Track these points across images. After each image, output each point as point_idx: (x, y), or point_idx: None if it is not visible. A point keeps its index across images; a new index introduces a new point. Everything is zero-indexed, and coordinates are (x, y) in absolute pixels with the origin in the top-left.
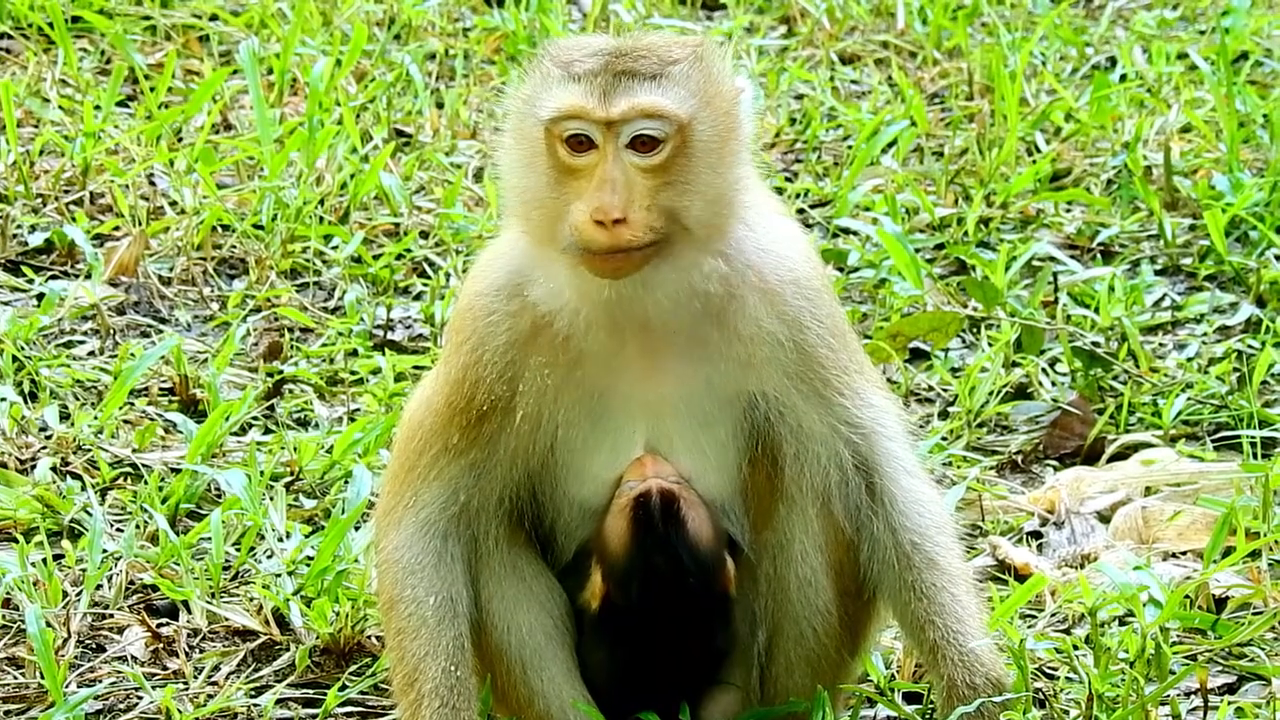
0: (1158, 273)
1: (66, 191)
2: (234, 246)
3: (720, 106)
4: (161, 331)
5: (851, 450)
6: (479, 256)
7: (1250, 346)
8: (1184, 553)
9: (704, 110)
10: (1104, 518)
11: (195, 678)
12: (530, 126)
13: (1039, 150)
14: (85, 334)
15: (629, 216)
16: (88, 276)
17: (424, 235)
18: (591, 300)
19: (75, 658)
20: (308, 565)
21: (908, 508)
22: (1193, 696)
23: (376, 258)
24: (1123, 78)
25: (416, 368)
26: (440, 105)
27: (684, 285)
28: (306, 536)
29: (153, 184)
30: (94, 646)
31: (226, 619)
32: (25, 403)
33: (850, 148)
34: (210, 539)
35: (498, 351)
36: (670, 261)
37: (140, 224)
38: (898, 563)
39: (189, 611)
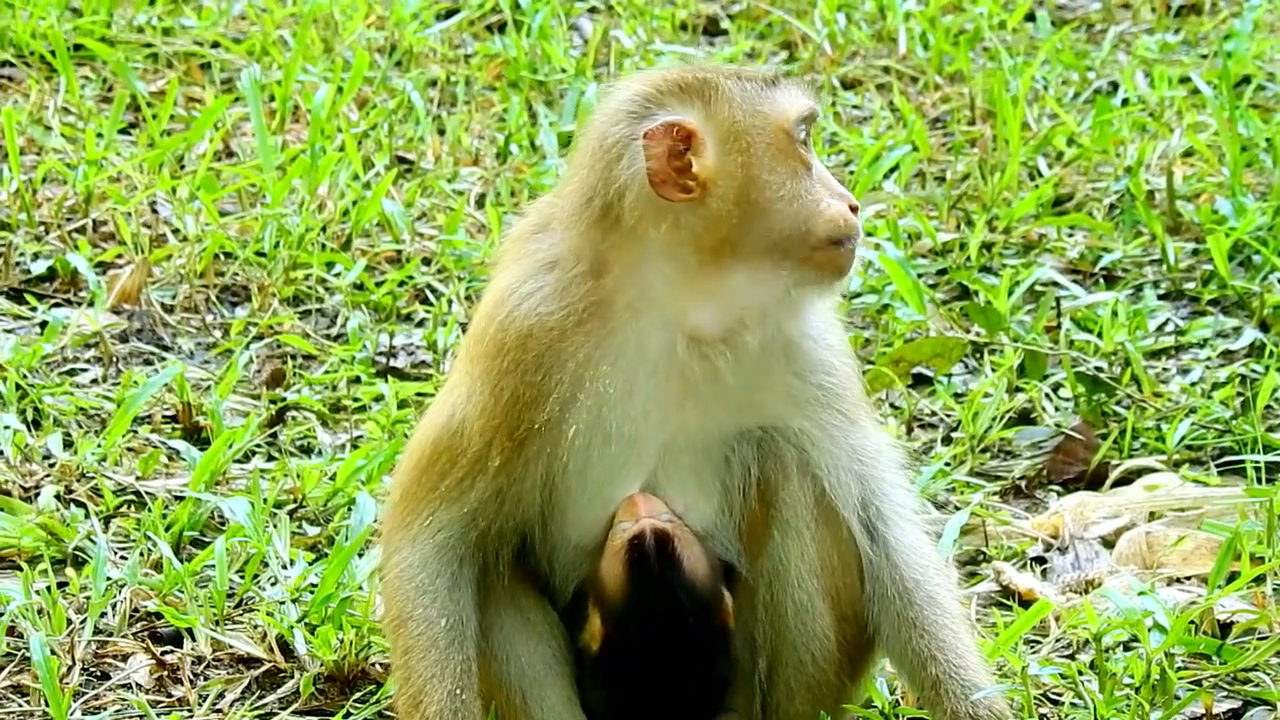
0: (1161, 297)
1: (69, 219)
2: (236, 274)
3: None
4: (164, 359)
5: (861, 479)
6: (518, 273)
7: (1254, 371)
8: (1188, 578)
9: None
10: (1108, 543)
11: (199, 705)
12: (765, 137)
13: (1041, 175)
14: (88, 362)
15: None
16: (90, 304)
17: (426, 262)
18: (741, 316)
19: (80, 685)
20: (311, 592)
21: (909, 548)
22: None
23: (379, 284)
24: (1125, 102)
25: (419, 394)
26: (442, 132)
27: None
28: (310, 564)
29: (155, 211)
30: (98, 674)
31: (230, 646)
32: (29, 431)
33: (852, 173)
34: (214, 566)
35: (568, 371)
36: None
37: (142, 251)
38: (899, 599)
39: (193, 639)
